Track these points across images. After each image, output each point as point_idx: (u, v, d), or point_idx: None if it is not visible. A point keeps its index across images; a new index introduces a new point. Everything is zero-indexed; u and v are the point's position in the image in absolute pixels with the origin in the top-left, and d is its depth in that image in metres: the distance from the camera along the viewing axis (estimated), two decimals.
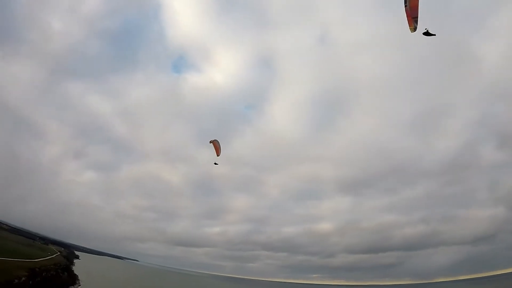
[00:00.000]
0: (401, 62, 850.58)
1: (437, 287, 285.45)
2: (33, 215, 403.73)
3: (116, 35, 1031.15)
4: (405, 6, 41.50)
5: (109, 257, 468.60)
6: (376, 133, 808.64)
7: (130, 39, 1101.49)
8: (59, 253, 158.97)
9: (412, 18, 41.79)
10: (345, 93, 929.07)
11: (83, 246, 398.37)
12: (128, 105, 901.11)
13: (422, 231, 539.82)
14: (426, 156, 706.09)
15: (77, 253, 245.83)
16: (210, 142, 65.40)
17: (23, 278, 75.80)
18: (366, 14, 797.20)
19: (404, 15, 41.42)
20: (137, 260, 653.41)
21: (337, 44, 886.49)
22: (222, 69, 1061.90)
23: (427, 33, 42.44)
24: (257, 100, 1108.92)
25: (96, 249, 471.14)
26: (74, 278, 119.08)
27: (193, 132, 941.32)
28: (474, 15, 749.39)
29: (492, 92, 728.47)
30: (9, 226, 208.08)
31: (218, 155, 65.41)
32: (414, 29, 42.39)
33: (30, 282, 77.10)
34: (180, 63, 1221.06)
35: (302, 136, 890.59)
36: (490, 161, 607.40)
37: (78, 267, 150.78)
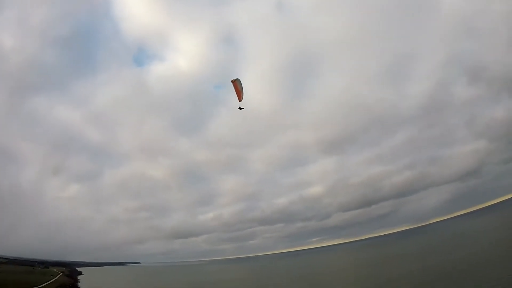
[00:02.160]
0: (362, 17, 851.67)
1: (433, 228, 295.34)
2: (27, 241, 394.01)
3: (70, 40, 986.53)
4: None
5: (112, 266, 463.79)
6: (349, 89, 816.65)
7: (86, 42, 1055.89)
8: (61, 273, 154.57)
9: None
10: (312, 56, 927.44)
11: (83, 261, 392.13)
12: (97, 109, 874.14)
13: (410, 177, 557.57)
14: (402, 104, 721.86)
15: (79, 269, 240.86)
16: (232, 81, 57.56)
17: None
18: None
19: None
20: (140, 263, 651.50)
21: (294, 8, 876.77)
22: (184, 53, 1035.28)
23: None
24: (225, 78, 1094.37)
25: (97, 261, 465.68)
26: None
27: (168, 122, 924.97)
28: None
29: (454, 30, 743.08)
30: (5, 258, 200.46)
31: (240, 100, 57.76)
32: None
33: None
34: (140, 55, 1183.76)
35: (277, 106, 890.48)
36: (464, 98, 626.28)
37: (84, 282, 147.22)
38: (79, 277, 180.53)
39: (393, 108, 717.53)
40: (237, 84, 57.02)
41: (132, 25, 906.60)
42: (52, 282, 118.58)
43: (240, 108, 57.76)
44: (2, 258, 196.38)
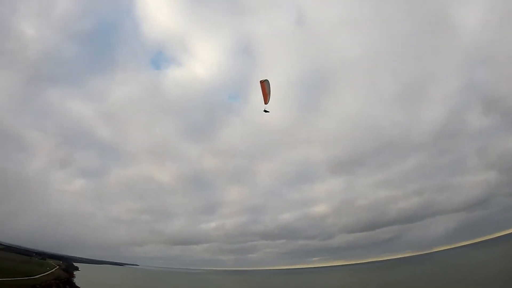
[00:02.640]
0: (381, 37, 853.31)
1: (437, 256, 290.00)
2: (27, 230, 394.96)
3: (91, 36, 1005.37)
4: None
5: (109, 265, 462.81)
6: (363, 110, 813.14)
7: (106, 39, 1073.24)
8: (57, 266, 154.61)
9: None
10: (328, 73, 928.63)
11: (80, 256, 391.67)
12: (110, 107, 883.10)
13: (417, 203, 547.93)
14: (414, 129, 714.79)
15: (76, 264, 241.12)
16: (260, 82, 54.92)
17: None
18: None
19: None
20: (137, 265, 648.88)
21: (315, 24, 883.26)
22: (202, 61, 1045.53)
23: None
24: (240, 89, 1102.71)
25: (95, 258, 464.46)
26: None
27: (180, 127, 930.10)
28: None
29: (473, 58, 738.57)
30: (3, 244, 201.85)
31: (266, 102, 54.64)
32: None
33: None
34: (159, 58, 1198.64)
35: (289, 121, 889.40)
36: (477, 127, 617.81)
37: (79, 279, 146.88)
38: (75, 272, 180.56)
39: (405, 133, 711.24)
40: (265, 85, 54.95)
41: (153, 27, 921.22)
42: (48, 274, 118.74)
43: (265, 111, 55.78)
44: (0, 244, 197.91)
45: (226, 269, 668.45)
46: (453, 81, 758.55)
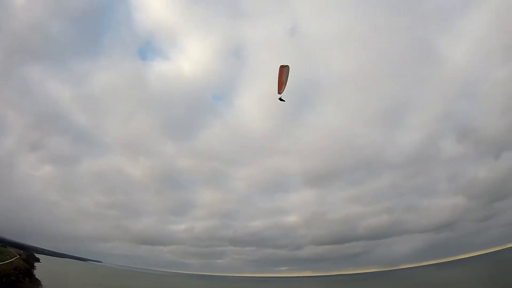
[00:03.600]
0: (370, 58, 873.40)
1: (401, 273, 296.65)
2: None
3: (81, 15, 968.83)
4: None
5: (71, 259, 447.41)
6: (343, 126, 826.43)
7: (96, 21, 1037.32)
8: (18, 256, 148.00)
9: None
10: (314, 86, 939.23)
11: (42, 247, 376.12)
12: (90, 92, 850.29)
13: (387, 221, 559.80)
14: (390, 150, 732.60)
15: (37, 255, 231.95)
16: (280, 66, 50.83)
17: None
18: (336, 9, 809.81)
19: None
20: (101, 261, 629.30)
21: (307, 37, 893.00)
22: (190, 58, 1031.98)
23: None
24: (225, 91, 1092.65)
25: (57, 251, 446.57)
26: (36, 284, 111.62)
27: (159, 123, 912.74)
28: (444, 18, 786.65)
29: (453, 90, 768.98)
30: None
31: (280, 92, 50.86)
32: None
33: None
34: (146, 49, 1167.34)
35: (270, 129, 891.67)
36: (450, 154, 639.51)
37: (40, 271, 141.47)
38: (36, 264, 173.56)
39: (381, 153, 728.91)
40: (283, 72, 51.20)
41: (146, 16, 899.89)
42: (7, 263, 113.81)
43: (280, 100, 52.93)
44: None
45: (192, 273, 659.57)
46: (432, 109, 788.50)
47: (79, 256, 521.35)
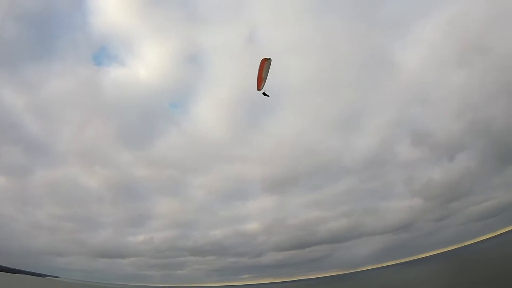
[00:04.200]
0: (327, 65, 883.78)
1: (362, 275, 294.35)
2: None
3: (36, 19, 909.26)
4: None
5: (28, 275, 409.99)
6: (300, 133, 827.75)
7: (50, 25, 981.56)
8: None
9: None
10: (272, 93, 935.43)
11: None
12: (43, 99, 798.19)
13: (346, 224, 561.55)
14: (347, 154, 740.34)
15: None
16: (263, 60, 47.19)
17: None
18: (294, 17, 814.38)
19: None
20: (58, 277, 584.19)
21: (265, 44, 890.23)
22: (146, 63, 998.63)
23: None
24: (182, 98, 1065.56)
25: (12, 267, 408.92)
26: None
27: (114, 131, 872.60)
28: (399, 25, 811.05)
29: (408, 95, 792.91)
30: None
31: (259, 88, 47.48)
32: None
33: None
34: (102, 54, 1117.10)
35: (228, 136, 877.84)
36: (405, 157, 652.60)
37: None
38: None
39: (339, 158, 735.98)
40: (263, 66, 47.24)
41: (102, 20, 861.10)
42: None
43: (264, 95, 49.83)
44: None
45: (153, 285, 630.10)
46: (388, 114, 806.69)
47: (35, 272, 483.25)
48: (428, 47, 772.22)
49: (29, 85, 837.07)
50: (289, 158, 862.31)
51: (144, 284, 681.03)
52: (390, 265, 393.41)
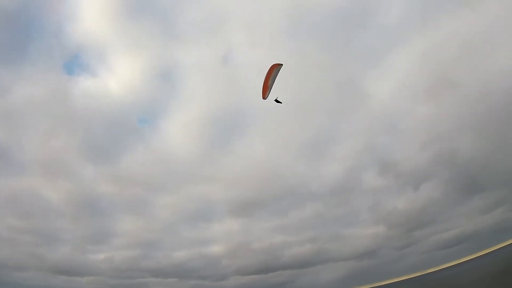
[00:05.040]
0: (298, 91, 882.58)
1: None
2: None
3: (10, 20, 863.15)
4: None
5: None
6: (269, 156, 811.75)
7: (24, 27, 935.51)
8: None
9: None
10: (243, 115, 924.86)
11: None
12: (8, 104, 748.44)
13: (311, 250, 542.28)
14: (314, 180, 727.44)
15: None
16: (273, 65, 43.45)
17: None
18: (269, 42, 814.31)
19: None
20: None
21: (239, 66, 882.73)
22: (118, 76, 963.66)
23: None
24: (152, 114, 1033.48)
25: None
26: None
27: (79, 143, 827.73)
28: (372, 56, 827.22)
29: (376, 125, 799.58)
30: None
31: (264, 96, 43.53)
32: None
33: None
34: (73, 63, 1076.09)
35: (196, 155, 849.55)
36: (371, 185, 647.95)
37: None
38: None
39: (306, 183, 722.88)
40: (271, 73, 42.95)
41: (77, 28, 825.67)
42: None
43: (276, 101, 46.91)
44: None
45: None
46: (356, 142, 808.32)
47: None
48: (399, 78, 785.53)
49: None
50: (257, 181, 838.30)
51: None
52: None
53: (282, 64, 43.92)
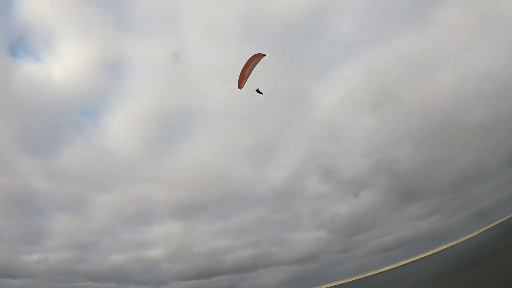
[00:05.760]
0: (246, 96, 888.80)
1: None
2: None
3: None
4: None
5: None
6: (213, 158, 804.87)
7: None
8: None
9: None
10: (190, 115, 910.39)
11: None
12: None
13: (253, 254, 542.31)
14: (258, 184, 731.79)
15: None
16: (255, 55, 41.29)
17: None
18: (221, 44, 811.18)
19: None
20: None
21: (190, 65, 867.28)
22: (63, 63, 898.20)
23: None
24: (95, 107, 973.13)
25: None
26: None
27: (16, 133, 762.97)
28: (320, 67, 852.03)
29: (321, 133, 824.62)
30: None
31: (239, 85, 41.60)
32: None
33: None
34: (19, 44, 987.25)
35: (139, 154, 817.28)
36: (314, 191, 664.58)
37: None
38: None
39: (250, 187, 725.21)
40: (250, 62, 41.29)
41: (26, 8, 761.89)
42: None
43: (258, 92, 45.70)
44: None
45: None
46: (300, 148, 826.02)
47: None
48: (346, 90, 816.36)
49: None
50: (200, 183, 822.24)
51: None
52: None
53: (264, 55, 42.85)
